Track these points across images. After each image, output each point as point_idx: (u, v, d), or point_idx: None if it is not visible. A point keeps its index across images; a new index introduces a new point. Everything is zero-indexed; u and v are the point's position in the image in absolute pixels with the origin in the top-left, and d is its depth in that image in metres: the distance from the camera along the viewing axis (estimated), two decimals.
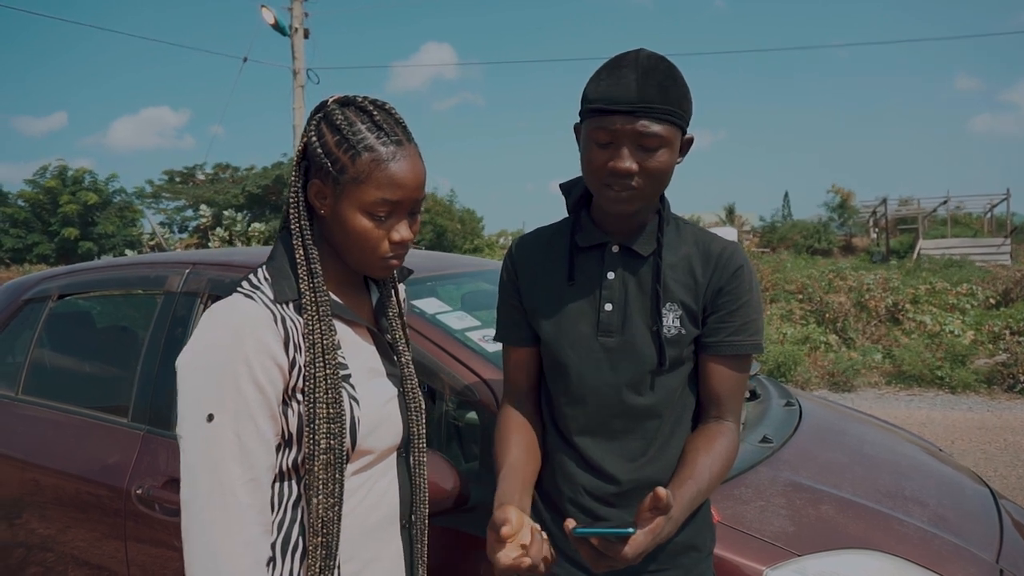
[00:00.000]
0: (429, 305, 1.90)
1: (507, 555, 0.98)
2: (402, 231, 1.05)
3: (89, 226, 26.77)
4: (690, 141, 1.14)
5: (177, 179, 32.83)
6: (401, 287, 1.27)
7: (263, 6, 13.06)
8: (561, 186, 1.28)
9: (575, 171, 1.21)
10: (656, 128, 1.05)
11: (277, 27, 13.36)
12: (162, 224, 30.60)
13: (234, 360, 0.96)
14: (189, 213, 31.38)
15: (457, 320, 1.86)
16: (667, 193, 1.21)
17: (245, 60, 14.26)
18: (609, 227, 1.19)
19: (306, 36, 13.81)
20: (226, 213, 14.16)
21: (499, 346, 1.33)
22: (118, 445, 1.95)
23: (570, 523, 0.97)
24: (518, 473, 1.15)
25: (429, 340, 1.69)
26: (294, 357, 1.01)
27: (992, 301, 9.24)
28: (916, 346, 7.52)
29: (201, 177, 32.53)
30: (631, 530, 0.93)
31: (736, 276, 1.17)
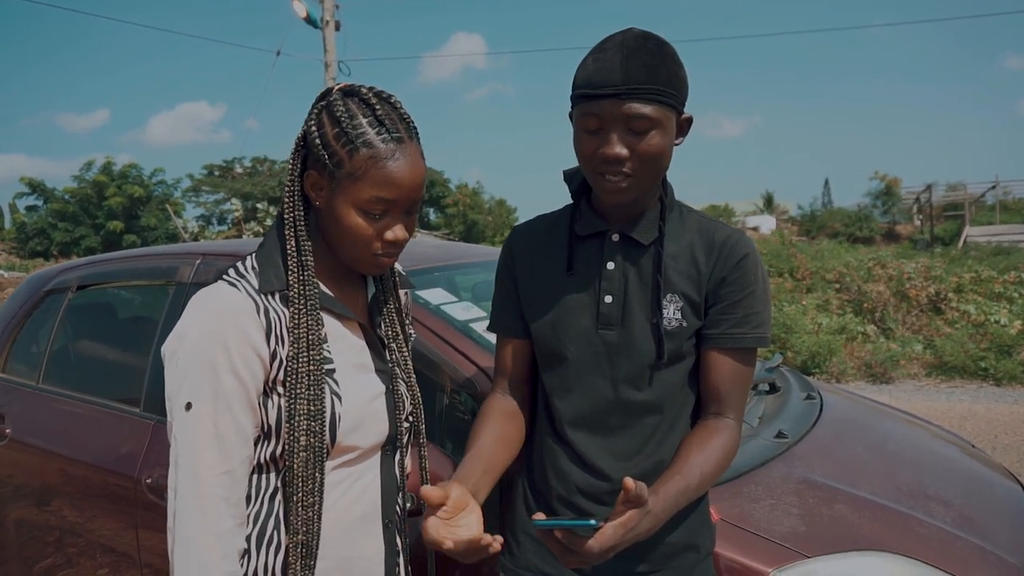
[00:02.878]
0: (434, 295, 1.88)
1: (435, 527, 0.93)
2: (396, 231, 1.02)
3: (133, 219, 27.54)
4: (688, 121, 1.09)
5: (216, 172, 33.52)
6: (403, 295, 1.25)
7: None
8: (564, 173, 1.24)
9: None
10: (645, 110, 1.00)
11: (309, 20, 13.47)
12: (202, 217, 31.33)
13: (213, 349, 0.95)
14: (228, 206, 32.04)
15: (462, 311, 1.83)
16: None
17: (278, 54, 14.44)
18: (609, 215, 1.15)
19: (337, 28, 13.89)
20: (259, 206, 14.39)
21: None
22: (130, 434, 1.97)
23: (536, 516, 0.93)
24: (482, 459, 1.11)
25: (431, 331, 1.66)
26: (275, 349, 0.99)
27: None
28: (959, 336, 7.24)
29: (239, 170, 33.15)
30: (594, 522, 0.88)
31: (740, 265, 1.11)
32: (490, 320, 1.28)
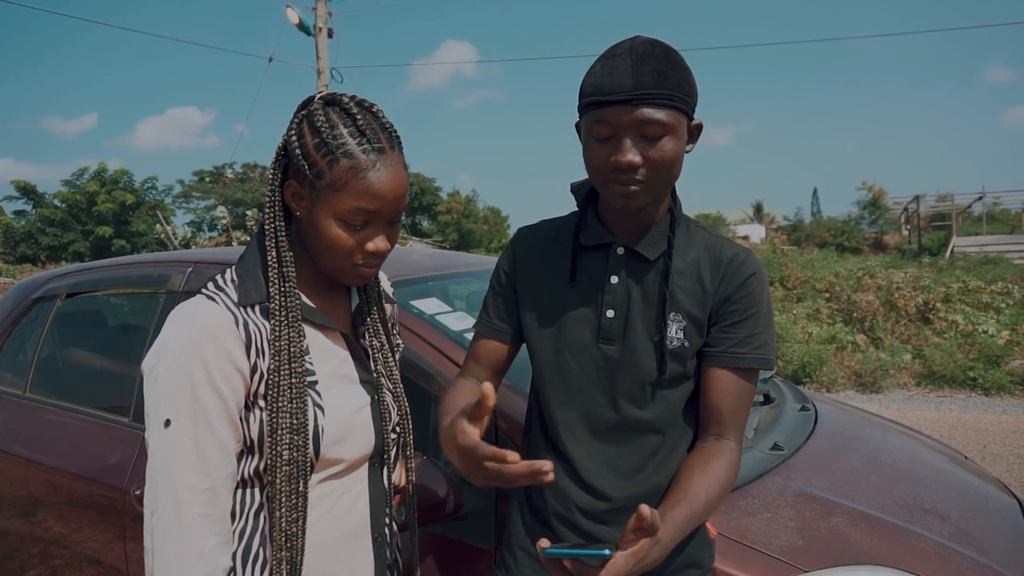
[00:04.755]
0: (428, 305, 1.86)
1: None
2: (378, 242, 1.01)
3: (123, 225, 27.33)
4: (699, 127, 1.07)
5: (207, 178, 33.35)
6: (388, 305, 1.23)
7: (288, 6, 13.17)
8: (572, 185, 1.22)
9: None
10: (657, 115, 0.98)
11: (302, 27, 13.46)
12: (192, 223, 31.11)
13: (191, 364, 0.94)
14: (218, 212, 31.83)
15: (456, 321, 1.82)
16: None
17: (271, 60, 14.46)
18: (615, 226, 1.13)
19: (330, 35, 13.90)
20: (248, 213, 14.34)
21: None
22: (119, 445, 1.94)
23: (543, 543, 0.90)
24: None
25: (425, 341, 1.65)
26: (256, 362, 0.97)
27: None
28: (948, 346, 7.29)
29: (230, 176, 32.98)
30: (607, 552, 0.85)
31: (746, 284, 1.09)
32: (479, 317, 1.24)
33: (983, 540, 1.54)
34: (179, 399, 0.93)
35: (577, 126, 1.09)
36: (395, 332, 1.29)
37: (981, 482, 1.94)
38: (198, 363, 0.93)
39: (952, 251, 17.39)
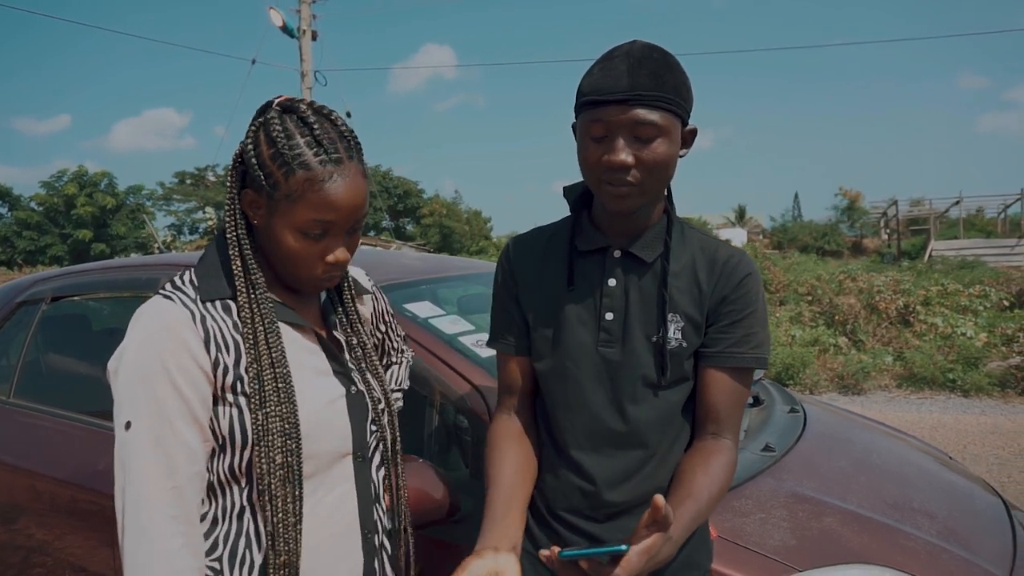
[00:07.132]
0: (422, 309, 1.86)
1: None
2: (338, 253, 1.01)
3: (102, 228, 26.98)
4: (693, 132, 1.09)
5: (188, 181, 33.00)
6: (379, 295, 1.23)
7: (271, 8, 13.10)
8: (564, 189, 1.23)
9: (578, 173, 1.16)
10: (651, 116, 1.00)
11: (285, 29, 13.40)
12: (173, 226, 30.79)
13: (149, 362, 0.93)
14: (200, 215, 31.51)
15: (450, 324, 1.82)
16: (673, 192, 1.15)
17: (254, 62, 14.32)
18: (610, 230, 1.14)
19: (314, 38, 13.84)
20: None
21: (492, 352, 1.27)
22: (106, 450, 1.91)
23: (555, 549, 0.91)
24: (510, 499, 1.11)
25: (419, 344, 1.65)
26: (217, 357, 0.97)
27: (1006, 303, 9.09)
28: (927, 348, 7.40)
29: (212, 179, 32.65)
30: (623, 547, 0.86)
31: (742, 284, 1.10)
32: (490, 336, 1.25)
33: (971, 538, 1.57)
34: (138, 399, 0.93)
35: (573, 127, 1.10)
36: (393, 326, 1.28)
37: (967, 482, 1.98)
38: (156, 361, 0.93)
39: (931, 255, 17.66)
